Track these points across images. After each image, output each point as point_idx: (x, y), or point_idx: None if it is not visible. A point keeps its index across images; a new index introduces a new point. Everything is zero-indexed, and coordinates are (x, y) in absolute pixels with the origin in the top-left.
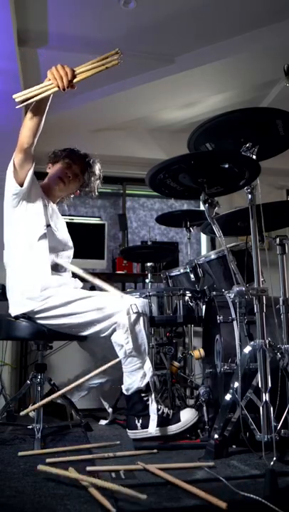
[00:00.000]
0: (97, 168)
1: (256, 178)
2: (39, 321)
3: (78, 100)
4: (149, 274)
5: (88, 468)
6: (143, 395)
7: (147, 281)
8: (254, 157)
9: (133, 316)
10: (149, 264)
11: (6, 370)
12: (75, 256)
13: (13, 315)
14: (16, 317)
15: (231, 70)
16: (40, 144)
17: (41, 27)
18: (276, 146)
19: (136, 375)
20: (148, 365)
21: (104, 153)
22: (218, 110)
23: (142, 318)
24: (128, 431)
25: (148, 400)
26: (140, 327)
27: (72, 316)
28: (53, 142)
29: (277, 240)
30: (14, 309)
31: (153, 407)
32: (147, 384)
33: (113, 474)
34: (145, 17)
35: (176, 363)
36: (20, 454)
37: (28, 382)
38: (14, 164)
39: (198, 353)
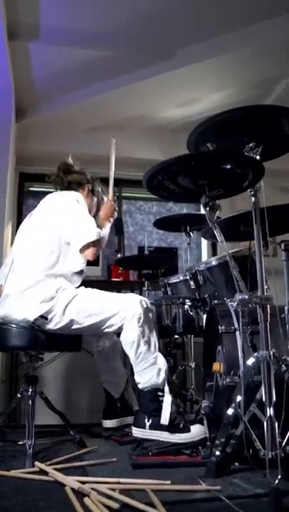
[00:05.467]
0: None
1: (260, 179)
2: (57, 324)
3: (71, 98)
4: (147, 282)
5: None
6: (160, 393)
7: (145, 289)
8: (258, 158)
9: (145, 311)
10: (146, 271)
11: None
12: None
13: (31, 319)
14: (33, 322)
15: (233, 65)
16: (32, 144)
17: (33, 20)
18: (281, 146)
19: (150, 372)
20: (162, 360)
21: (98, 153)
22: (219, 108)
23: (150, 314)
24: (134, 428)
25: (163, 401)
26: (151, 322)
27: (83, 307)
28: (45, 142)
29: (283, 245)
30: (30, 314)
31: (167, 399)
32: (163, 382)
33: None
34: (144, 9)
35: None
36: (11, 473)
37: (19, 395)
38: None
39: (219, 366)
